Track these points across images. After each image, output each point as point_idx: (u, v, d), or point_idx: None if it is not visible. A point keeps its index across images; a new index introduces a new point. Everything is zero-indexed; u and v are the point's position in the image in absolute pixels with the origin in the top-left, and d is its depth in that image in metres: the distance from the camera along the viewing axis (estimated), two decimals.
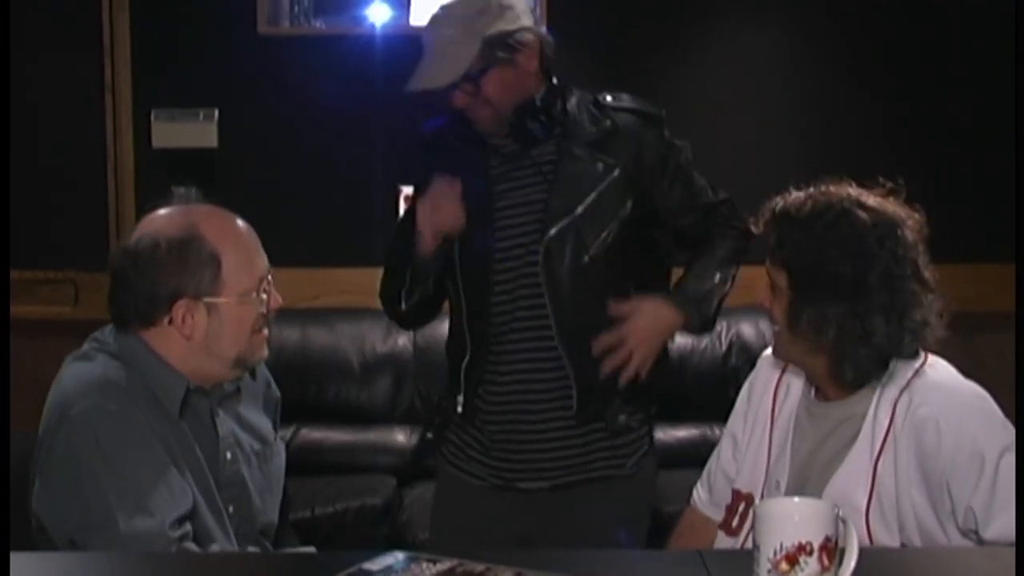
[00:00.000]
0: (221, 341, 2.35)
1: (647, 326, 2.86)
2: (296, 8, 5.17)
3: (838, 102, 5.01)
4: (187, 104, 4.89)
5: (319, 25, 5.22)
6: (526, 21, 2.92)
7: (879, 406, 2.33)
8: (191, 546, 2.20)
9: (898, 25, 4.98)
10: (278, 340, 4.59)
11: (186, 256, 2.30)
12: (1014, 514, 2.17)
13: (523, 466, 2.92)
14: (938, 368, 2.37)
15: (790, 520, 1.84)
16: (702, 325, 2.95)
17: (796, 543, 1.81)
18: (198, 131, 4.86)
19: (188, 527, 2.21)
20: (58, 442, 2.22)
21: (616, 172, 2.91)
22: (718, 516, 2.57)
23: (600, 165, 2.91)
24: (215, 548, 2.28)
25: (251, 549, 2.40)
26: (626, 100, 3.07)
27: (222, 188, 4.49)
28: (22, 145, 4.89)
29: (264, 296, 2.39)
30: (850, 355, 2.33)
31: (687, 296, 2.92)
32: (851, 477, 2.31)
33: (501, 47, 2.85)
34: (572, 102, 2.99)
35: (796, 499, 1.98)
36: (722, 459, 2.62)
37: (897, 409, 2.31)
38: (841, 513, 1.87)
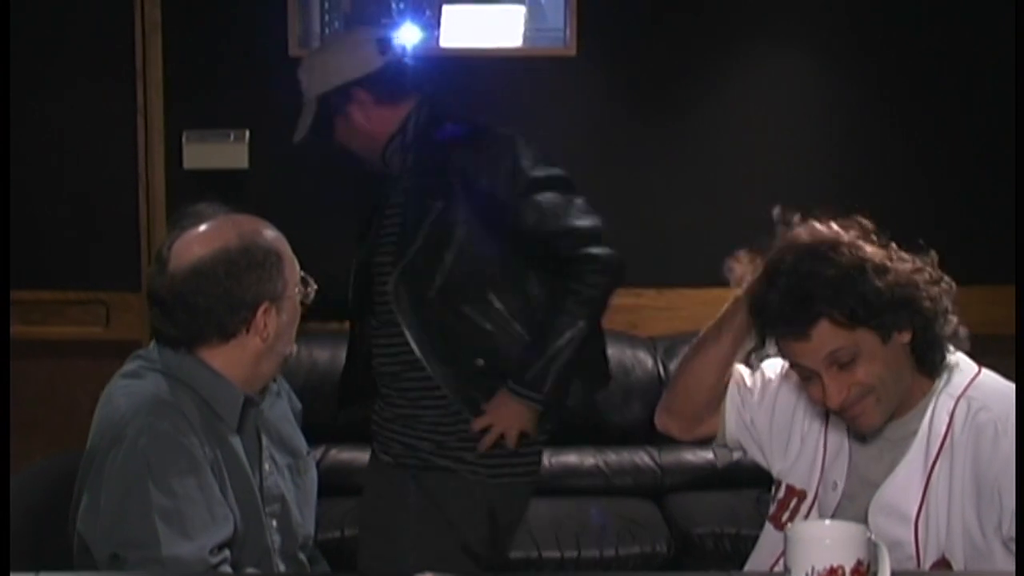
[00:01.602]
0: (282, 338, 2.41)
1: (504, 418, 3.13)
2: (327, 31, 5.20)
3: (864, 127, 5.00)
4: (218, 125, 4.91)
5: None
6: (350, 75, 3.18)
7: (935, 414, 2.30)
8: (226, 568, 2.21)
9: (926, 51, 4.96)
10: (308, 360, 4.62)
11: (259, 261, 2.34)
12: None
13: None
14: (993, 377, 2.36)
15: (821, 543, 1.84)
16: (548, 404, 3.17)
17: (828, 567, 1.81)
18: (229, 152, 4.88)
19: (227, 553, 2.22)
20: (110, 460, 2.23)
21: (454, 203, 3.07)
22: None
23: (439, 201, 3.09)
24: (250, 571, 2.29)
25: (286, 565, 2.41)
26: (466, 130, 3.20)
27: (253, 209, 4.42)
28: (54, 166, 4.93)
29: (303, 286, 2.44)
30: (931, 341, 2.30)
31: (523, 385, 3.12)
32: (903, 485, 2.29)
33: (332, 103, 3.19)
34: (420, 135, 3.19)
35: (827, 522, 1.98)
36: (750, 391, 2.58)
37: (955, 416, 2.28)
38: (873, 537, 1.86)
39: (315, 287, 2.45)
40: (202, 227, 2.36)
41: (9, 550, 1.86)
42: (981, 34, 4.92)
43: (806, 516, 2.38)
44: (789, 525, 2.39)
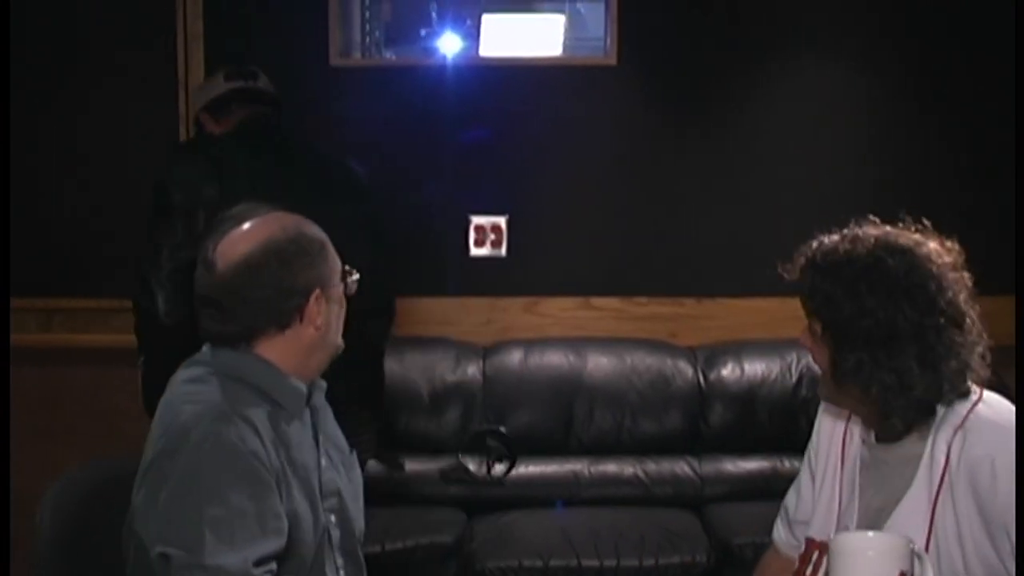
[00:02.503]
0: (331, 328, 2.43)
1: None
2: (368, 40, 5.21)
3: (903, 136, 4.97)
4: None
5: (390, 57, 5.26)
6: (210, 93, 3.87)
7: (935, 446, 2.29)
8: None
9: (966, 59, 4.93)
10: None
11: (306, 248, 2.37)
12: None
13: None
14: (992, 405, 2.32)
15: (864, 555, 1.83)
16: None
17: None
18: None
19: (272, 566, 2.23)
20: (172, 462, 2.23)
21: None
22: None
23: None
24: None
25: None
26: None
27: None
28: (97, 176, 4.96)
29: (344, 278, 2.47)
30: (895, 408, 2.30)
31: None
32: (909, 518, 2.27)
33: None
34: None
35: (871, 534, 1.97)
36: (802, 500, 2.58)
37: (952, 449, 2.26)
38: (916, 548, 1.85)
39: (356, 277, 2.47)
40: (244, 226, 2.37)
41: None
42: None
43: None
44: (812, 573, 2.40)
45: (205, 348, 2.42)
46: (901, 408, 2.29)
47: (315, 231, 2.41)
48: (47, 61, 4.92)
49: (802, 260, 2.38)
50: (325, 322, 2.38)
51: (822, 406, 2.56)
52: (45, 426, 4.94)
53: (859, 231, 2.36)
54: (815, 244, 2.37)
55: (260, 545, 2.21)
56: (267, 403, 2.33)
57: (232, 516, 2.19)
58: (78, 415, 4.97)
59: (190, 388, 2.35)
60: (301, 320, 2.36)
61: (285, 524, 2.27)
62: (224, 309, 2.34)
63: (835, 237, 2.36)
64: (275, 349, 2.36)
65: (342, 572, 2.45)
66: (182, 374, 2.39)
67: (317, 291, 2.36)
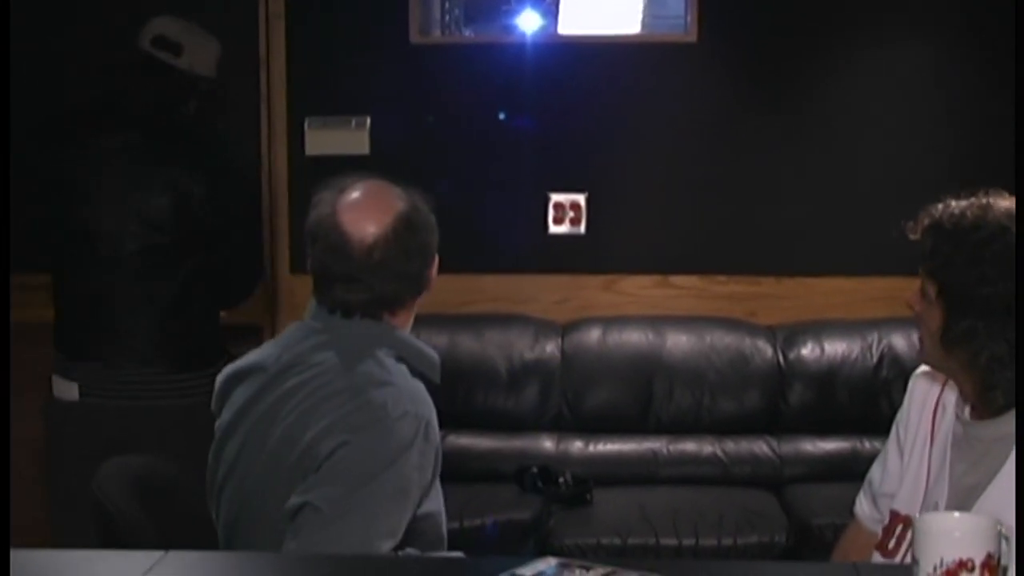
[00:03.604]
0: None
1: None
2: (447, 18, 5.22)
3: (987, 112, 4.88)
4: (340, 112, 4.96)
5: (469, 34, 5.26)
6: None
7: None
8: None
9: None
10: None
11: (427, 215, 2.45)
12: None
13: None
14: None
15: (951, 536, 1.80)
16: None
17: (957, 559, 1.78)
18: (350, 139, 4.93)
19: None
20: (363, 439, 2.26)
21: None
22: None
23: None
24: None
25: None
26: None
27: None
28: None
29: None
30: (1000, 380, 2.27)
31: None
32: (1001, 499, 2.23)
33: None
34: None
35: (957, 514, 1.95)
36: (888, 472, 2.56)
37: None
38: (1004, 530, 1.82)
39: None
40: (360, 198, 2.41)
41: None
42: None
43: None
44: (895, 546, 2.41)
45: (335, 317, 2.43)
46: (1007, 381, 2.26)
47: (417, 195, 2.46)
48: None
49: (926, 220, 2.35)
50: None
51: (913, 379, 2.54)
52: None
53: (989, 199, 2.32)
54: (941, 206, 2.34)
55: (395, 540, 2.26)
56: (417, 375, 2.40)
57: (399, 508, 2.25)
58: None
59: (370, 370, 2.35)
60: (428, 286, 2.42)
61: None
62: (369, 284, 2.37)
63: (963, 202, 2.32)
64: (402, 317, 2.42)
65: None
66: (351, 355, 2.38)
67: (436, 255, 2.43)
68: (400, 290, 2.40)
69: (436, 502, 2.39)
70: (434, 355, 2.45)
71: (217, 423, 2.52)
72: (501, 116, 4.96)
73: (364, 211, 2.38)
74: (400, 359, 2.39)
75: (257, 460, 2.37)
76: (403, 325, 2.44)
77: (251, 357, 2.52)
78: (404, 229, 2.37)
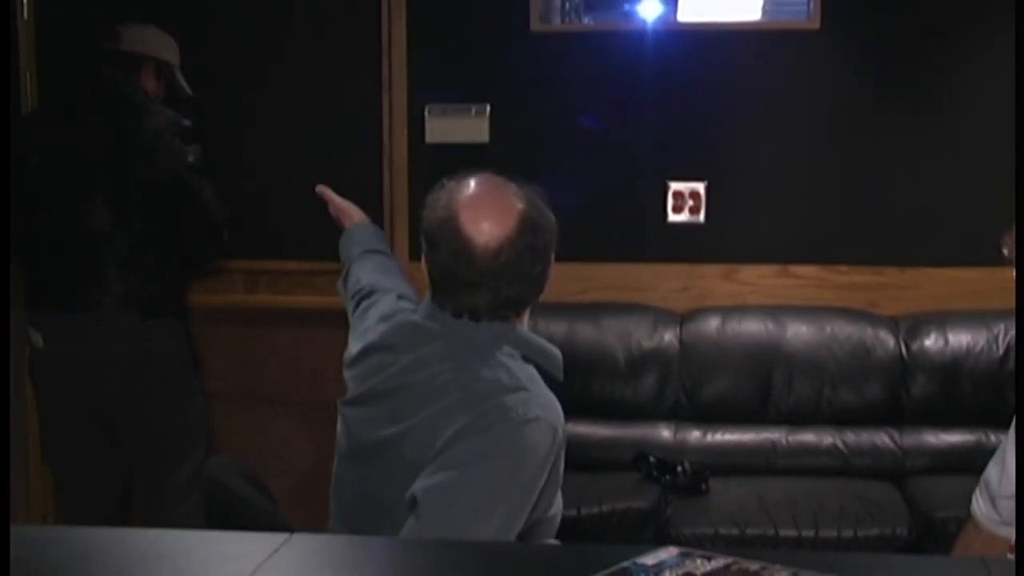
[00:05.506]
0: None
1: None
2: (567, 5, 5.21)
3: None
4: (460, 100, 4.98)
5: (589, 22, 5.26)
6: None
7: None
8: None
9: None
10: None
11: (547, 214, 2.43)
12: None
13: None
14: None
15: None
16: None
17: None
18: (470, 126, 4.95)
19: None
20: (489, 437, 2.25)
21: None
22: (1009, 533, 2.46)
23: None
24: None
25: None
26: None
27: None
28: (301, 140, 5.07)
29: None
30: None
31: None
32: None
33: None
34: None
35: None
36: (1006, 473, 2.50)
37: None
38: None
39: None
40: (480, 200, 2.38)
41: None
42: None
43: None
44: None
45: (460, 320, 2.41)
46: None
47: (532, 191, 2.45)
48: (263, 36, 5.06)
49: None
50: None
51: None
52: (251, 388, 5.09)
53: None
54: None
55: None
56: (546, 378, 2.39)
57: (517, 512, 2.24)
58: (283, 377, 5.10)
59: (499, 376, 2.34)
60: (549, 284, 2.43)
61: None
62: (495, 287, 2.36)
63: None
64: (524, 317, 2.43)
65: None
66: (474, 354, 2.38)
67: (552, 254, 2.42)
68: (524, 292, 2.39)
69: (557, 506, 2.39)
70: (556, 352, 2.44)
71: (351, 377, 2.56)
72: (618, 107, 4.95)
73: (486, 214, 2.35)
74: (525, 358, 2.39)
75: (385, 457, 2.39)
76: (524, 323, 2.45)
77: (371, 337, 2.55)
78: (527, 230, 2.35)
